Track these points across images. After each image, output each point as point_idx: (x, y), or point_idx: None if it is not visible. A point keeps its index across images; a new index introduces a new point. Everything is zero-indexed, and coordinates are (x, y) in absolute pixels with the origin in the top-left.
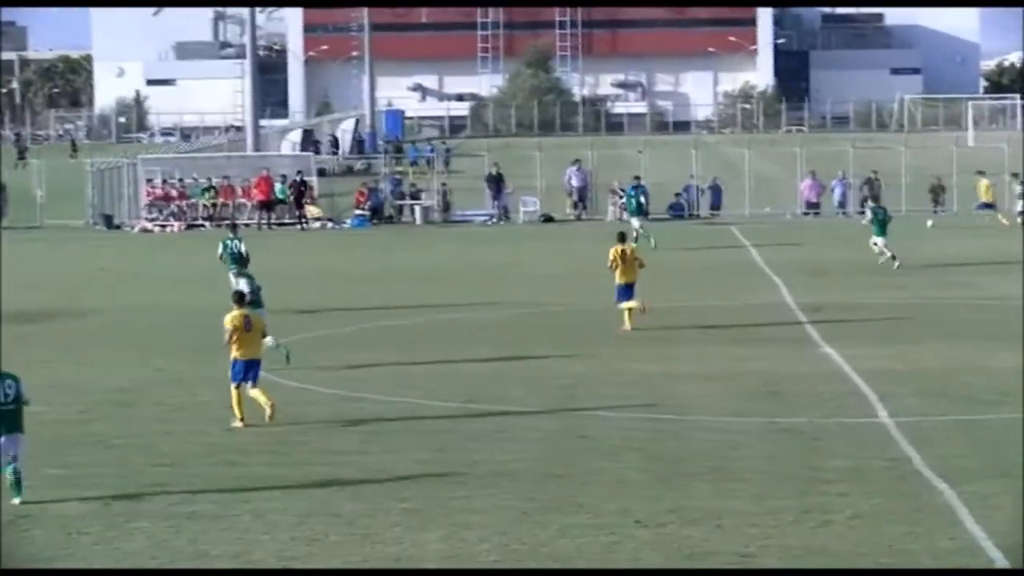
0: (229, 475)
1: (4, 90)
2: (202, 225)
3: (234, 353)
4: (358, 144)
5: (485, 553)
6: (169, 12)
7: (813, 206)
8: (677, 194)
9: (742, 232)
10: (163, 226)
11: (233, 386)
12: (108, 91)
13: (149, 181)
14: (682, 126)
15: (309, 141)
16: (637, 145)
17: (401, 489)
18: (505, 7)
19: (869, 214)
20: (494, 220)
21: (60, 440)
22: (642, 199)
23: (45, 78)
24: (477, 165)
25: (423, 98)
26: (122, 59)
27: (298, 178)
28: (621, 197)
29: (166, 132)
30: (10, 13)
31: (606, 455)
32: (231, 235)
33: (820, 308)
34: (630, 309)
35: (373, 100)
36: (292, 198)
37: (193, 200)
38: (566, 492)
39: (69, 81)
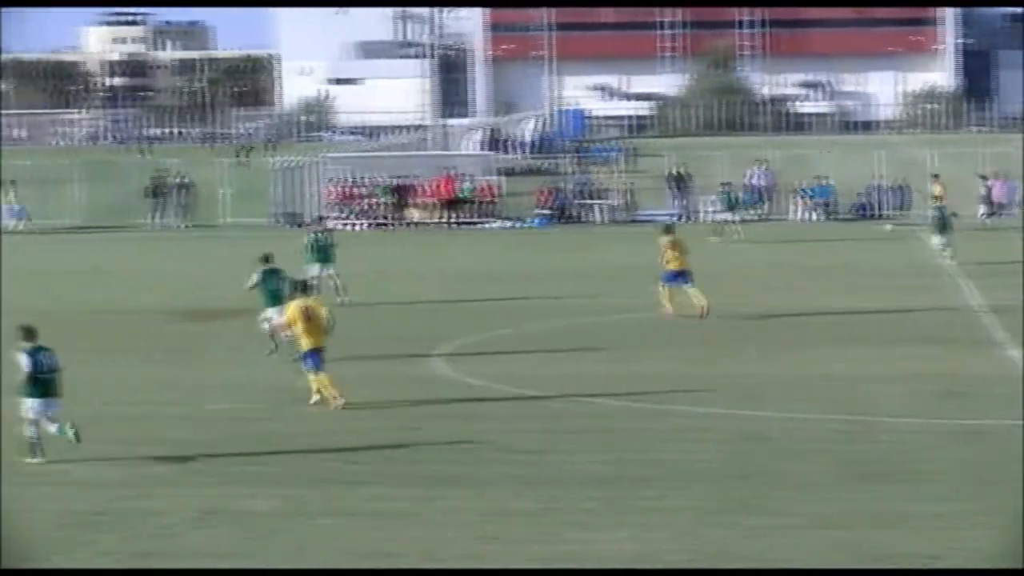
0: (415, 472)
1: (191, 89)
2: (386, 224)
3: (301, 343)
4: (541, 143)
5: (674, 553)
6: (352, 11)
7: (1001, 207)
8: (859, 194)
9: (925, 232)
10: (348, 224)
11: (312, 375)
12: (292, 90)
13: (332, 180)
14: (866, 126)
15: (492, 140)
16: (821, 145)
17: (586, 488)
18: (677, 6)
19: None
20: (678, 220)
21: (242, 437)
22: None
23: (230, 77)
24: (660, 165)
25: (606, 97)
26: (306, 58)
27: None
28: (805, 197)
29: (354, 131)
30: (195, 13)
31: (792, 457)
32: (319, 228)
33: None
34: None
35: (555, 99)
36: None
37: (377, 199)
38: (753, 493)
39: (254, 80)
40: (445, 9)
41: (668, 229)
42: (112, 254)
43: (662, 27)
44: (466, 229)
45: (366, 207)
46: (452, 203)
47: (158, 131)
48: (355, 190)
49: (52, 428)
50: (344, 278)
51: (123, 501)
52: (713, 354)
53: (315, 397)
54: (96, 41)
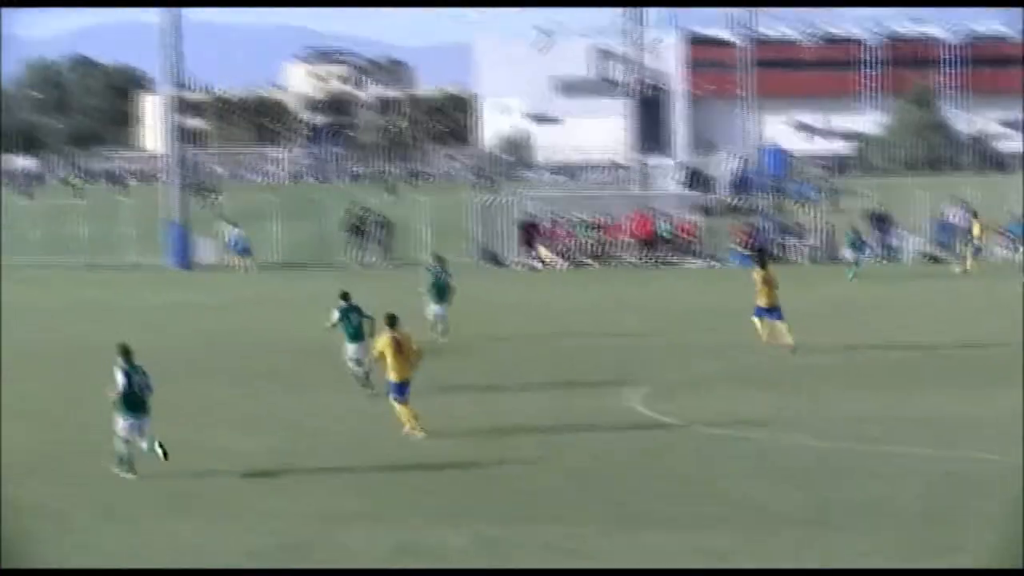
0: (611, 512)
1: (392, 127)
2: (587, 263)
3: (390, 375)
4: (741, 182)
5: None
6: (552, 48)
7: None
8: None
9: None
10: (547, 263)
11: (397, 404)
12: (491, 128)
13: (533, 216)
14: None
15: (692, 179)
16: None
17: (782, 528)
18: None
19: None
20: (879, 259)
21: (444, 473)
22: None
23: (431, 115)
24: (861, 204)
25: (807, 136)
26: (506, 95)
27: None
28: (1007, 235)
29: (556, 171)
30: (397, 52)
31: (985, 498)
32: (438, 267)
33: None
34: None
35: (756, 138)
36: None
37: (577, 237)
38: (945, 533)
39: (454, 118)
40: (644, 46)
41: (762, 263)
42: (322, 288)
43: (863, 65)
44: (665, 268)
45: (567, 246)
46: (651, 242)
47: (360, 169)
48: (556, 229)
49: (143, 444)
50: (451, 320)
51: (318, 536)
52: (912, 391)
53: (406, 428)
54: (298, 79)
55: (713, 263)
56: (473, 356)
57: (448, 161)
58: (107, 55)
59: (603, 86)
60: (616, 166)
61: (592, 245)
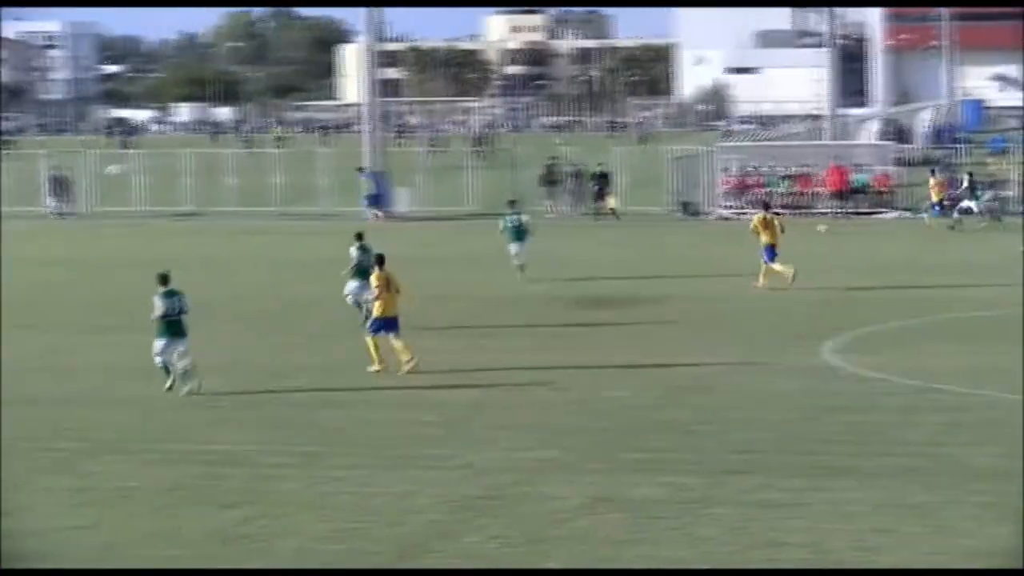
0: (804, 463)
1: (588, 77)
2: (778, 213)
3: (376, 311)
4: (938, 134)
5: None
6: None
7: None
8: None
9: None
10: (740, 214)
11: (370, 337)
12: (689, 79)
13: (726, 170)
14: None
15: (889, 131)
16: None
17: (976, 482)
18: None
19: None
20: None
21: (636, 426)
22: None
23: (628, 66)
24: None
25: (1005, 88)
26: (704, 47)
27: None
28: None
29: (745, 120)
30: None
31: None
32: (514, 211)
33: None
34: (769, 269)
35: (954, 90)
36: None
37: (770, 188)
38: None
39: (650, 69)
40: None
41: (765, 206)
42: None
43: None
44: (858, 219)
45: (759, 196)
46: (845, 193)
47: (555, 119)
48: (749, 180)
49: (180, 365)
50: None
51: (515, 486)
52: None
53: (377, 366)
54: (495, 30)
55: (907, 215)
56: (672, 309)
57: (644, 112)
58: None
59: (802, 37)
60: (813, 117)
61: (786, 196)
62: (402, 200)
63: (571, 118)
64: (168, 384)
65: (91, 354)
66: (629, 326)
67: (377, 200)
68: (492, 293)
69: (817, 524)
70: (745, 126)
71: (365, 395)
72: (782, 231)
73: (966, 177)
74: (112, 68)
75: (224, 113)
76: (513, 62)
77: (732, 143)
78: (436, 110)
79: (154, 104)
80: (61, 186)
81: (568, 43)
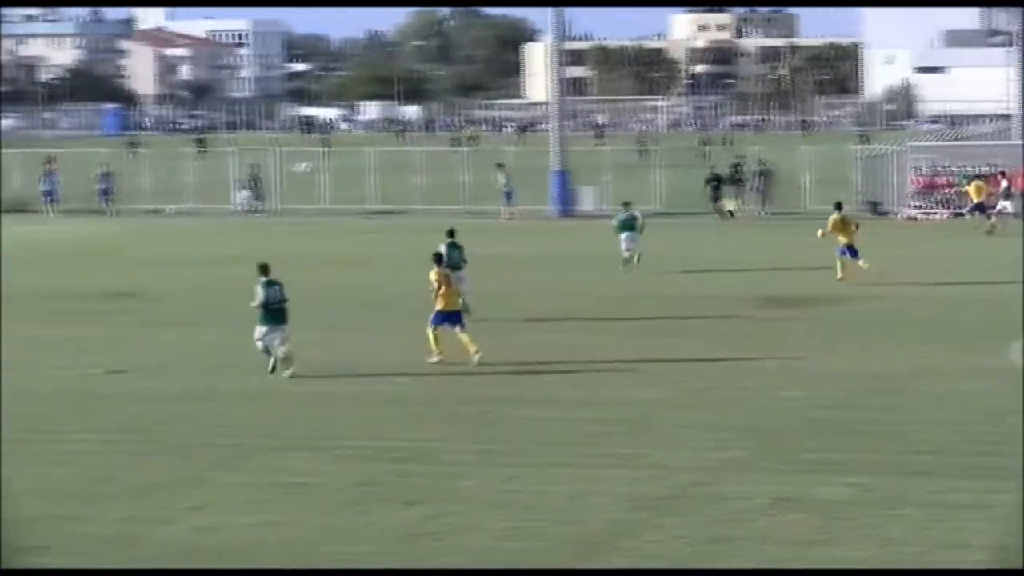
0: (989, 465)
1: (774, 76)
2: (965, 213)
3: (438, 305)
4: None
5: None
6: None
7: None
8: None
9: None
10: (929, 214)
11: (431, 329)
12: (876, 78)
13: (916, 169)
14: None
15: None
16: None
17: None
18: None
19: None
20: None
21: (817, 426)
22: None
23: (814, 65)
24: None
25: None
26: (891, 46)
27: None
28: None
29: (934, 119)
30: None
31: None
32: (626, 210)
33: None
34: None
35: None
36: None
37: (959, 188)
38: None
39: (837, 68)
40: None
41: (838, 206)
42: (693, 239)
43: None
44: None
45: (947, 196)
46: None
47: (740, 118)
48: (938, 179)
49: (281, 350)
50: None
51: (696, 486)
52: None
53: (436, 356)
54: (681, 28)
55: None
56: (848, 309)
57: (830, 111)
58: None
59: (991, 36)
60: (1001, 117)
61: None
62: (587, 199)
63: (758, 117)
64: (270, 367)
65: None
66: (803, 325)
67: (563, 199)
68: (665, 292)
69: (1000, 526)
70: (935, 126)
71: (545, 392)
72: (856, 228)
73: None
74: (298, 66)
75: (411, 111)
76: (698, 61)
77: (923, 143)
78: (623, 109)
79: (340, 102)
80: (255, 183)
81: (754, 42)
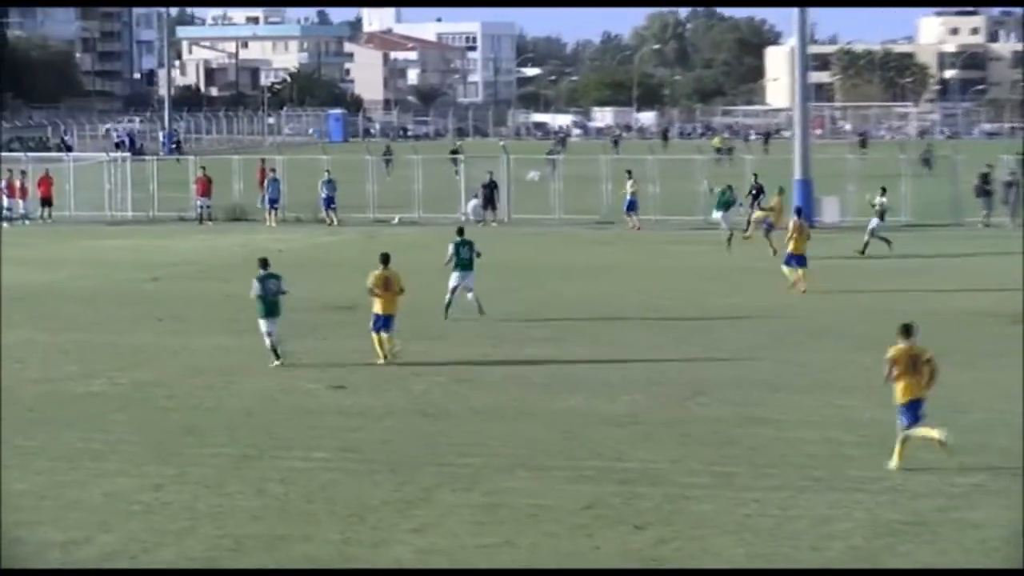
0: None
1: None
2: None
3: (375, 308)
4: None
5: None
6: None
7: None
8: None
9: None
10: None
11: (374, 333)
12: None
13: None
14: None
15: None
16: None
17: None
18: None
19: None
20: None
21: None
22: None
23: None
24: None
25: None
26: None
27: None
28: None
29: None
30: None
31: None
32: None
33: None
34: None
35: None
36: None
37: None
38: None
39: None
40: None
41: (798, 212)
42: (940, 251)
43: None
44: None
45: None
46: None
47: (993, 126)
48: None
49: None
50: None
51: (939, 512)
52: None
53: (380, 360)
54: (929, 31)
55: None
56: None
57: None
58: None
59: None
60: None
61: None
62: (829, 209)
63: (1013, 125)
64: (274, 360)
65: (509, 366)
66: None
67: (805, 209)
68: (906, 306)
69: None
70: None
71: (782, 412)
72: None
73: None
74: (530, 70)
75: (646, 118)
76: (949, 66)
77: None
78: (869, 115)
79: (573, 108)
80: (489, 192)
81: (1008, 46)
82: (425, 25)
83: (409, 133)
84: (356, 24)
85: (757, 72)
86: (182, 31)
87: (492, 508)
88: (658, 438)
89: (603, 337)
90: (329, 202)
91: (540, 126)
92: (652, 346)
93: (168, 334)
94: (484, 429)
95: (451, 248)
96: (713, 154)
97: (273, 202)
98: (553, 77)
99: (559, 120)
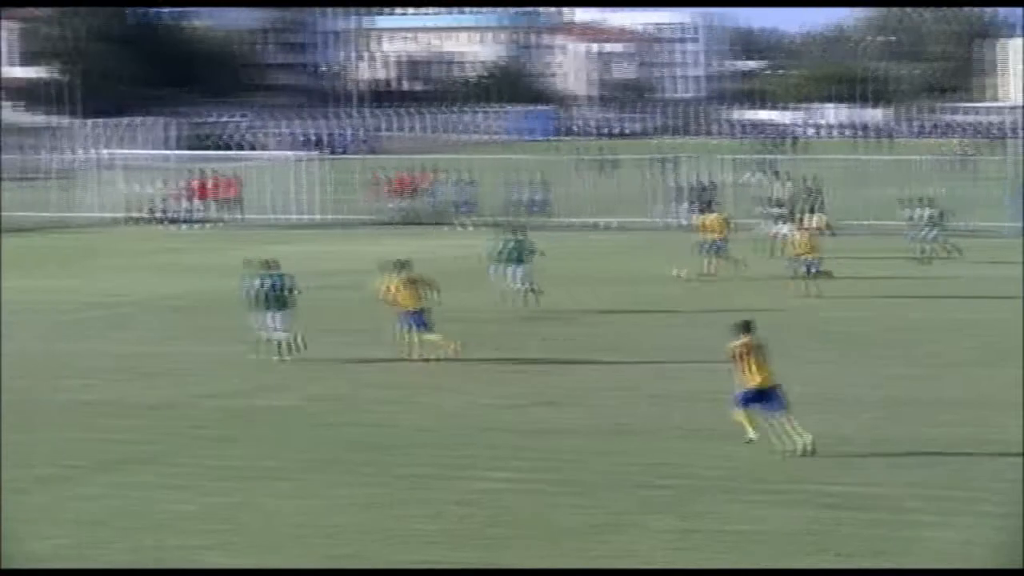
0: None
1: None
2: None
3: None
4: None
5: None
6: None
7: None
8: None
9: None
10: None
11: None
12: None
13: None
14: None
15: None
16: None
17: None
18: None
19: None
20: None
21: None
22: None
23: None
24: None
25: None
26: None
27: None
28: None
29: None
30: None
31: None
32: None
33: None
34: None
35: None
36: None
37: None
38: None
39: None
40: None
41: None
42: None
43: None
44: None
45: None
46: None
47: None
48: None
49: (282, 335)
50: None
51: None
52: None
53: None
54: None
55: None
56: None
57: None
58: None
59: None
60: None
61: None
62: None
63: None
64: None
65: (694, 380)
66: None
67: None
68: None
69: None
70: None
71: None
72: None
73: None
74: (748, 64)
75: (870, 115)
76: None
77: None
78: None
79: (796, 104)
80: (701, 194)
81: None
82: (634, 15)
83: (615, 130)
84: (559, 15)
85: (986, 67)
86: (375, 21)
87: (704, 534)
88: (867, 461)
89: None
90: (531, 204)
91: (756, 124)
92: (861, 361)
93: (341, 346)
94: (679, 448)
95: (500, 244)
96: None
97: (464, 205)
98: (772, 72)
99: (779, 117)
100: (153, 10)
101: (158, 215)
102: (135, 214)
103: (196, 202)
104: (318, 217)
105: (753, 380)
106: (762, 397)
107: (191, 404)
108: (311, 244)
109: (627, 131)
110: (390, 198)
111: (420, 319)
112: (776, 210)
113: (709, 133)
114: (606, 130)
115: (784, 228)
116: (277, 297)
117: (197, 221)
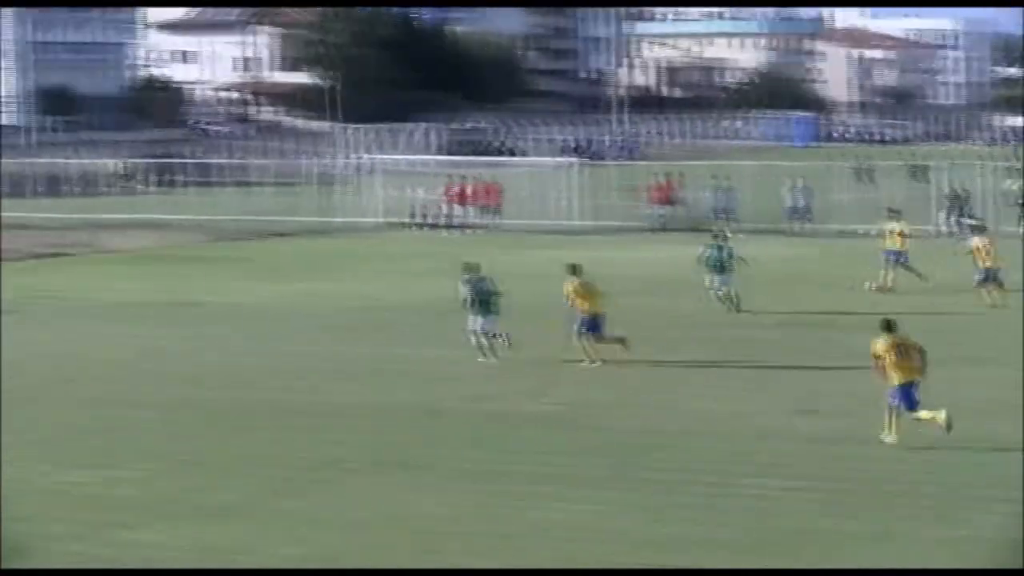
0: None
1: None
2: None
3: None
4: None
5: None
6: None
7: None
8: None
9: None
10: None
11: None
12: None
13: None
14: None
15: None
16: None
17: None
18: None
19: None
20: None
21: None
22: None
23: None
24: None
25: None
26: None
27: None
28: None
29: None
30: None
31: None
32: None
33: None
34: None
35: None
36: None
37: None
38: None
39: None
40: None
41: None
42: None
43: None
44: None
45: None
46: None
47: None
48: None
49: (486, 340)
50: None
51: None
52: None
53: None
54: None
55: None
56: None
57: None
58: None
59: None
60: None
61: None
62: None
63: None
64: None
65: (957, 390)
66: None
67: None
68: None
69: None
70: None
71: None
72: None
73: None
74: (1008, 71)
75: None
76: None
77: None
78: None
79: None
80: (959, 201)
81: None
82: (897, 21)
83: (876, 137)
84: (821, 21)
85: None
86: (636, 27)
87: (956, 542)
88: None
89: None
90: (795, 211)
91: (1015, 130)
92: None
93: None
94: (940, 460)
95: (701, 249)
96: None
97: (724, 212)
98: None
99: None
100: (414, 14)
101: (418, 220)
102: (396, 219)
103: (456, 207)
104: (577, 223)
105: (900, 376)
106: (906, 394)
107: (455, 407)
108: (569, 250)
109: (888, 138)
110: (649, 204)
111: (594, 323)
112: None
113: (971, 140)
114: (867, 136)
115: None
116: (483, 301)
117: (457, 227)
